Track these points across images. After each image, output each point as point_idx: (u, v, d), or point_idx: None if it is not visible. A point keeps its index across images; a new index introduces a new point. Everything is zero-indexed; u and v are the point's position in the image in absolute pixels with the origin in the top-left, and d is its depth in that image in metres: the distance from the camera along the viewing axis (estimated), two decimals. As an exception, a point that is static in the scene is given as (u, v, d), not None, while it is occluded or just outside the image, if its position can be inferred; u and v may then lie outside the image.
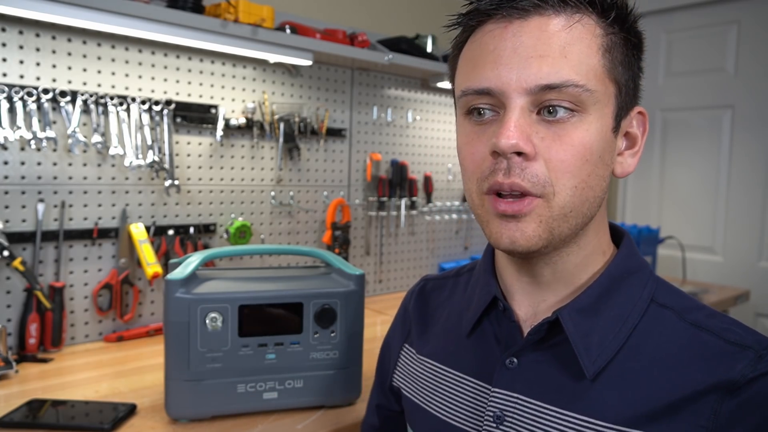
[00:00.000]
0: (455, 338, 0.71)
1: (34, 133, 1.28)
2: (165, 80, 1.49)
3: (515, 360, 0.62)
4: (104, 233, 1.41)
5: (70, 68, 1.34)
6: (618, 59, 0.58)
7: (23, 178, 1.30)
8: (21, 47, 1.28)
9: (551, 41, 0.54)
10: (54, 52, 1.32)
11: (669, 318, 0.59)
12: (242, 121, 1.61)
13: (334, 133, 1.85)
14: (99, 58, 1.38)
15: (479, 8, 0.58)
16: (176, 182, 1.49)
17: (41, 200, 1.32)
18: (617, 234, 0.67)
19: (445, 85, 2.02)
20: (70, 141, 1.33)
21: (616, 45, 0.57)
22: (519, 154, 0.54)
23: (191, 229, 1.55)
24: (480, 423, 0.64)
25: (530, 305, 0.65)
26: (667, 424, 0.54)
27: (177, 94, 1.52)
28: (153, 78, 1.47)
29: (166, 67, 1.49)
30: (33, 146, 1.28)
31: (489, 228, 0.59)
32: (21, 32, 1.28)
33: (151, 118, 1.46)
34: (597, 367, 0.57)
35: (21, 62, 1.28)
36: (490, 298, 0.67)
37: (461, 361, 0.69)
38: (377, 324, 1.67)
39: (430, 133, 2.16)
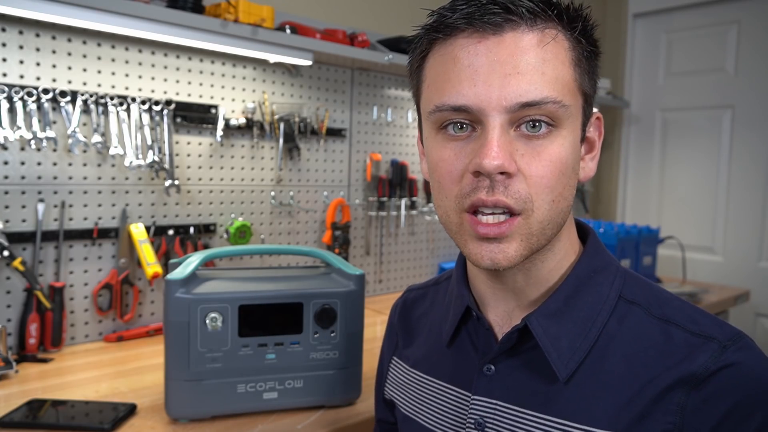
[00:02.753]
0: (437, 348, 0.72)
1: (34, 133, 1.28)
2: (165, 80, 1.49)
3: (492, 367, 0.63)
4: (104, 233, 1.41)
5: (70, 68, 1.34)
6: (585, 70, 0.58)
7: (23, 178, 1.30)
8: (21, 47, 1.28)
9: (528, 58, 0.54)
10: (54, 52, 1.32)
11: (637, 314, 0.60)
12: (242, 121, 1.61)
13: (334, 133, 1.85)
14: (99, 58, 1.38)
15: (448, 22, 0.56)
16: (176, 182, 1.49)
17: (41, 200, 1.32)
18: (583, 231, 0.68)
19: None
20: (70, 141, 1.33)
21: (583, 57, 0.58)
22: (502, 172, 0.54)
23: (191, 229, 1.55)
24: (462, 430, 0.64)
25: (505, 310, 0.65)
26: (640, 422, 0.54)
27: (177, 94, 1.52)
28: (153, 78, 1.47)
29: (166, 67, 1.49)
30: (33, 146, 1.28)
31: (468, 248, 0.58)
32: (21, 32, 1.28)
33: (151, 118, 1.46)
34: (569, 370, 0.58)
35: (21, 62, 1.28)
36: (464, 308, 0.67)
37: (443, 370, 0.70)
38: (377, 324, 1.67)
39: (430, 133, 2.16)
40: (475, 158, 0.54)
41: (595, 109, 0.63)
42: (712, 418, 0.53)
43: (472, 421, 0.63)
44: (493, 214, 0.55)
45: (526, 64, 0.54)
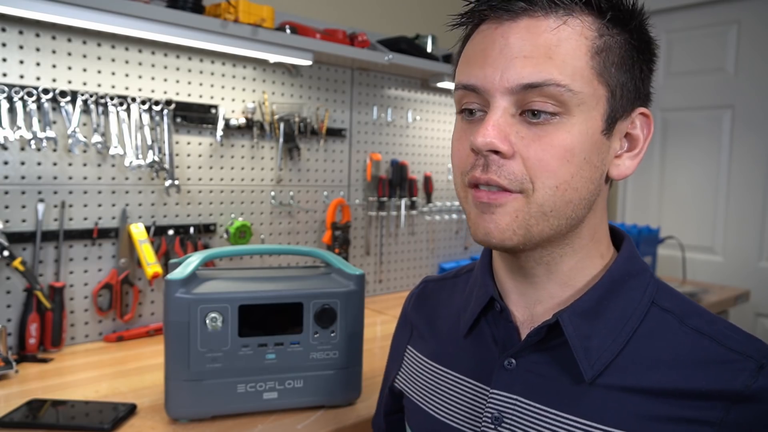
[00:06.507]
0: (454, 339, 0.71)
1: (34, 133, 1.28)
2: (165, 80, 1.49)
3: (513, 361, 0.62)
4: (104, 233, 1.41)
5: (70, 68, 1.34)
6: (612, 61, 0.57)
7: (23, 178, 1.30)
8: (21, 47, 1.28)
9: (537, 42, 0.55)
10: (54, 52, 1.32)
11: (670, 322, 0.59)
12: (242, 121, 1.61)
13: (334, 133, 1.85)
14: (99, 58, 1.38)
15: (474, 9, 0.59)
16: (176, 182, 1.49)
17: (41, 200, 1.32)
18: (617, 236, 0.67)
19: (445, 85, 2.02)
20: (70, 141, 1.33)
21: (612, 47, 0.57)
22: (496, 152, 0.56)
23: (191, 229, 1.55)
24: (478, 424, 0.64)
25: (526, 306, 0.65)
26: (668, 427, 0.54)
27: (177, 94, 1.52)
28: (153, 78, 1.47)
29: (166, 67, 1.49)
30: (33, 146, 1.28)
31: (471, 219, 0.61)
32: (21, 32, 1.28)
33: (151, 118, 1.46)
34: (596, 371, 0.57)
35: (21, 62, 1.28)
36: (487, 299, 0.67)
37: (459, 362, 0.69)
38: (377, 324, 1.67)
39: (430, 133, 2.16)
40: (471, 136, 0.57)
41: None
42: None
43: (489, 415, 0.62)
44: (488, 190, 0.57)
45: (534, 48, 0.55)
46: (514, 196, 0.56)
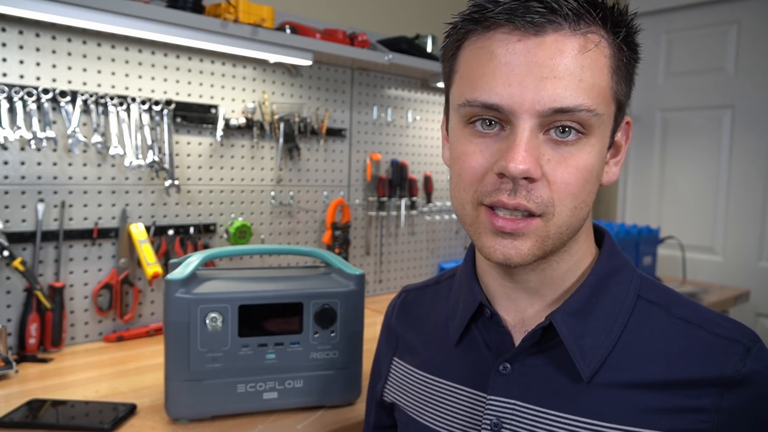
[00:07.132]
0: (444, 347, 0.71)
1: (34, 133, 1.28)
2: (165, 80, 1.49)
3: (509, 366, 0.62)
4: (104, 233, 1.41)
5: (70, 68, 1.34)
6: (623, 77, 0.57)
7: (23, 178, 1.30)
8: (21, 47, 1.28)
9: (566, 63, 0.53)
10: (54, 52, 1.32)
11: (657, 314, 0.60)
12: (242, 121, 1.61)
13: (334, 133, 1.85)
14: (99, 58, 1.38)
15: (488, 15, 0.54)
16: (176, 182, 1.49)
17: (41, 200, 1.32)
18: (598, 233, 0.68)
19: (445, 85, 2.02)
20: (70, 141, 1.33)
21: (622, 63, 0.57)
22: (526, 177, 0.53)
23: (191, 229, 1.55)
24: (477, 431, 0.63)
25: (517, 310, 0.64)
26: (667, 418, 0.54)
27: (177, 94, 1.52)
28: (153, 78, 1.47)
29: (166, 67, 1.49)
30: (33, 146, 1.28)
31: (482, 241, 0.58)
32: (21, 32, 1.28)
33: (151, 118, 1.46)
34: (592, 369, 0.58)
35: (21, 62, 1.28)
36: (476, 305, 0.66)
37: (452, 370, 0.69)
38: (377, 324, 1.67)
39: (430, 133, 2.16)
40: (500, 160, 0.54)
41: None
42: (751, 421, 0.54)
43: (488, 422, 0.62)
44: (512, 215, 0.55)
45: (564, 68, 0.53)
46: (535, 221, 0.55)
